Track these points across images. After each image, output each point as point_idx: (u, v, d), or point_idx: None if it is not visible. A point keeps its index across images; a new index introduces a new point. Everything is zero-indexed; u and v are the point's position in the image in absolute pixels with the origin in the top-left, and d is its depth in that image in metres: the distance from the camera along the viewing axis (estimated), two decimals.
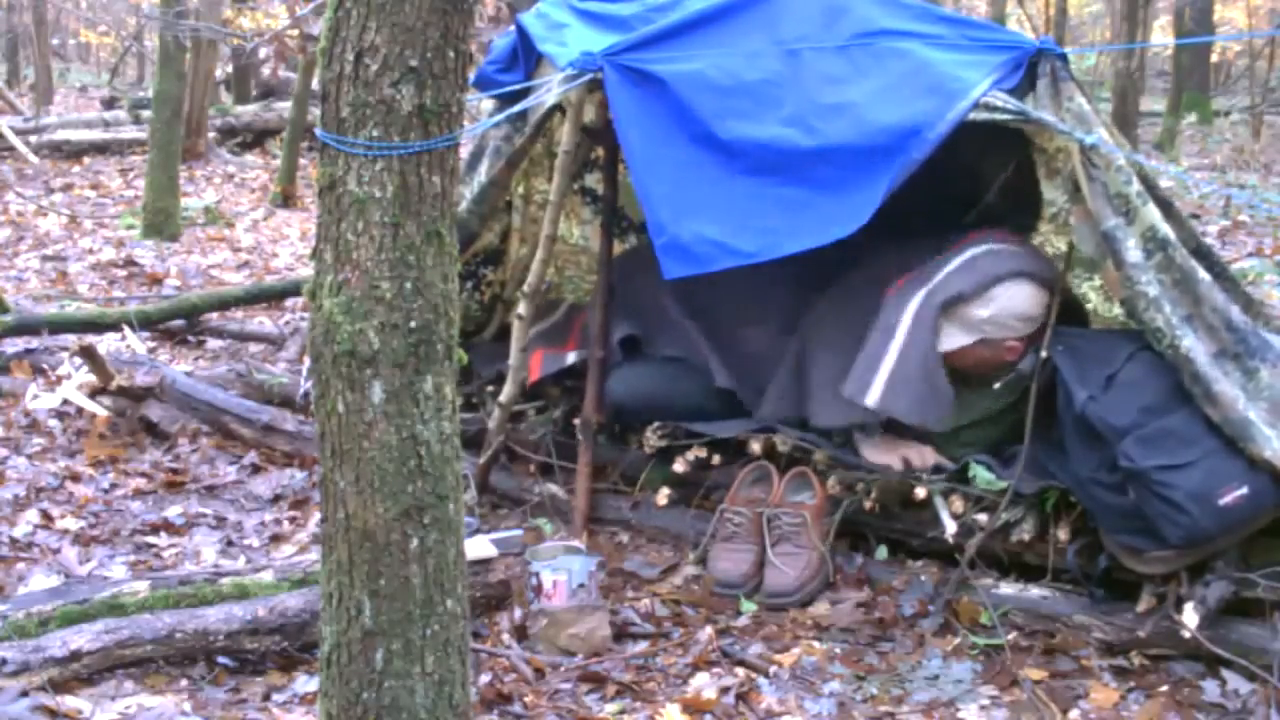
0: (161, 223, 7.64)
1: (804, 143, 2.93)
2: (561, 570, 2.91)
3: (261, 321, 5.71)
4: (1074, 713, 2.63)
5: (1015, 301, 3.05)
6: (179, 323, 5.46)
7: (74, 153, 10.97)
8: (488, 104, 3.74)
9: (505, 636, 2.90)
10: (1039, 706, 2.64)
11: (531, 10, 3.53)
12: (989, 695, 2.69)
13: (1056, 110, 2.83)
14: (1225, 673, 2.71)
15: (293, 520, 3.63)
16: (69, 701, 2.49)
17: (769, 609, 3.08)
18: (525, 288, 3.49)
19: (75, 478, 3.84)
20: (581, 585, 2.90)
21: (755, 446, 3.34)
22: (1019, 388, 3.12)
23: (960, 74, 2.87)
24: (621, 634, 2.93)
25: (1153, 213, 2.78)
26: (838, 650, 2.88)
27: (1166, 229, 2.78)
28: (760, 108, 2.99)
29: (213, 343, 5.46)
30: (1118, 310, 3.23)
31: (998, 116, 2.82)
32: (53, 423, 4.27)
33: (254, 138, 11.88)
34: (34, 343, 4.92)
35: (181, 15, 8.15)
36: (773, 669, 2.77)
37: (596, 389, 3.49)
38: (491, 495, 3.66)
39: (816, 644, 2.90)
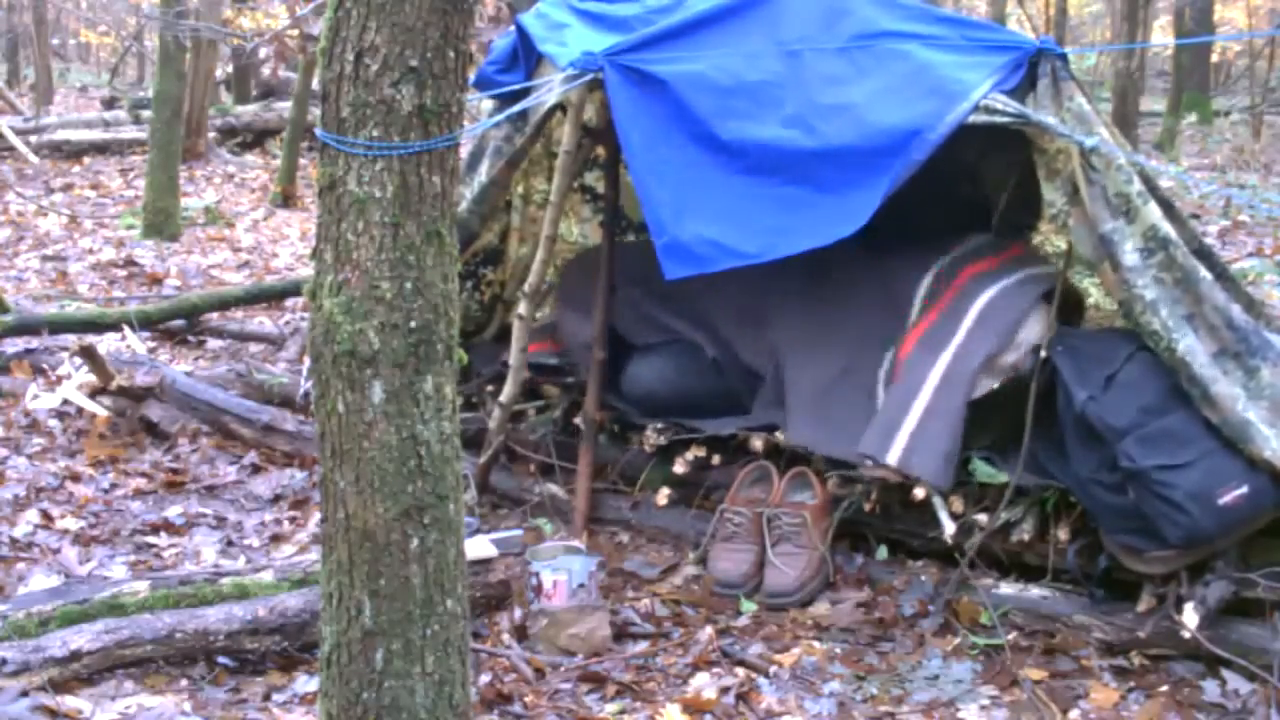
0: (161, 223, 7.65)
1: (805, 143, 2.93)
2: (561, 570, 2.91)
3: (261, 321, 5.71)
4: (1074, 713, 2.63)
5: (1036, 330, 3.06)
6: (179, 323, 5.47)
7: (74, 153, 10.96)
8: (488, 104, 3.74)
9: (505, 636, 2.90)
10: (1039, 706, 2.64)
11: (531, 10, 3.53)
12: (989, 695, 2.69)
13: (1057, 110, 2.83)
14: (1225, 673, 2.71)
15: (293, 520, 3.63)
16: (69, 701, 2.49)
17: (769, 609, 3.08)
18: (525, 288, 3.50)
19: (75, 478, 3.84)
20: (581, 585, 2.90)
21: (757, 444, 3.35)
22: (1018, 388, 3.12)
23: (961, 75, 2.87)
24: (621, 634, 2.93)
25: (1154, 212, 2.78)
26: (838, 650, 2.88)
27: (1168, 228, 2.78)
28: (761, 108, 2.99)
29: (213, 343, 5.46)
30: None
31: (998, 119, 2.82)
32: (53, 423, 4.27)
33: (254, 138, 11.88)
34: (34, 343, 4.93)
35: (181, 15, 8.16)
36: (773, 669, 2.77)
37: (598, 388, 3.49)
38: (491, 495, 3.66)
39: (816, 644, 2.90)
